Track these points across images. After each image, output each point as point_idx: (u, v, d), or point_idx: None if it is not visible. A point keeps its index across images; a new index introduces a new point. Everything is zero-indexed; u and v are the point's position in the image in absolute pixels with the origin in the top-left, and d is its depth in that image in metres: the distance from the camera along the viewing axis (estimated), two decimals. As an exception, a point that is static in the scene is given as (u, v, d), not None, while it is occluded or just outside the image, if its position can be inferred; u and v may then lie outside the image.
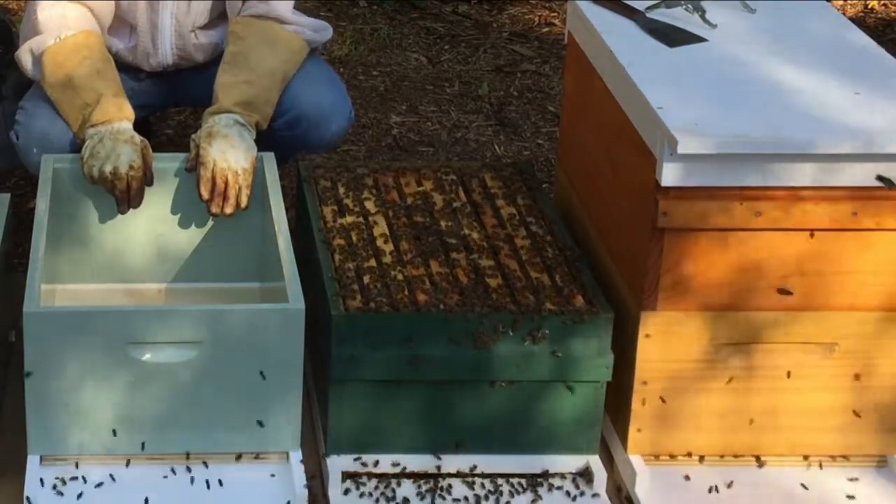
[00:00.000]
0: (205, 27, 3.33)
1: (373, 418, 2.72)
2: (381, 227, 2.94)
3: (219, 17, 3.34)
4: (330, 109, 3.25)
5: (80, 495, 2.62)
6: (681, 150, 2.55)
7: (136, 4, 3.26)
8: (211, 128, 3.00)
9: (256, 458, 2.70)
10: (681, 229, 2.62)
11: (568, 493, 2.74)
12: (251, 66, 3.13)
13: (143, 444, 2.67)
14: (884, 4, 5.20)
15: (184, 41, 3.31)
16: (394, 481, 2.74)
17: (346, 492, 2.71)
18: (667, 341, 2.69)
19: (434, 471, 2.75)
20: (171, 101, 3.49)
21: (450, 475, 2.76)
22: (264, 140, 3.12)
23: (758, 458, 2.77)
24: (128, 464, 2.68)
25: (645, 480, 2.71)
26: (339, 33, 4.70)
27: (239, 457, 2.70)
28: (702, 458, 2.77)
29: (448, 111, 4.33)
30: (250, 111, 3.06)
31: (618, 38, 2.93)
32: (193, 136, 3.03)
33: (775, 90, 2.75)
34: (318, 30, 3.30)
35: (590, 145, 3.05)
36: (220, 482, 2.66)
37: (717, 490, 2.72)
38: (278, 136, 3.17)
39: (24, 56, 3.18)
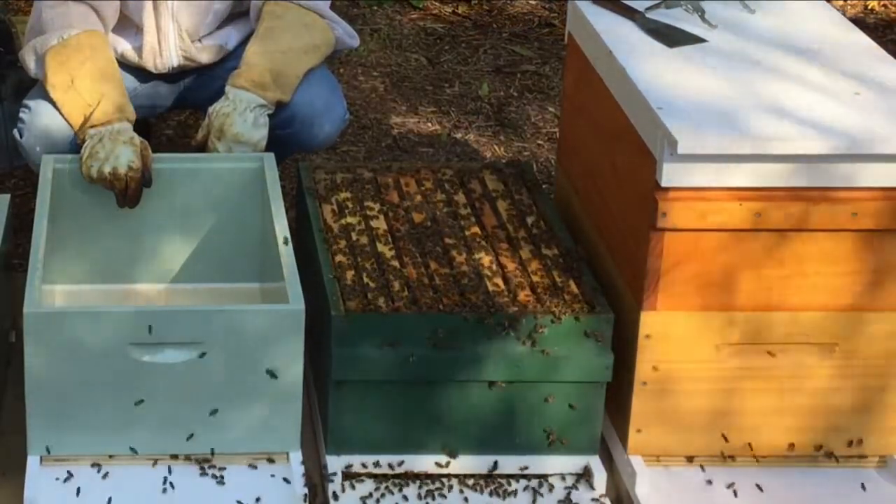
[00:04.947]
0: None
1: (373, 418, 2.72)
2: (381, 227, 2.94)
3: (224, 20, 3.34)
4: (323, 109, 3.25)
5: (79, 496, 2.62)
6: (681, 150, 2.55)
7: (142, 5, 3.26)
8: (224, 120, 3.07)
9: (256, 458, 2.70)
10: (681, 229, 2.62)
11: (568, 494, 2.74)
12: (284, 41, 3.18)
13: (143, 444, 2.67)
14: (884, 5, 5.20)
15: (188, 43, 3.31)
16: (394, 482, 2.74)
17: (346, 492, 2.71)
18: (667, 341, 2.69)
19: (434, 471, 2.75)
20: (175, 103, 3.49)
21: (450, 475, 2.76)
22: None
23: (757, 458, 2.77)
24: (128, 464, 2.68)
25: (645, 481, 2.71)
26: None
27: (239, 457, 2.70)
28: (702, 459, 2.77)
29: (448, 111, 4.33)
30: (275, 85, 3.12)
31: (618, 38, 2.93)
32: (210, 108, 3.11)
33: (775, 90, 2.75)
34: (350, 34, 3.33)
35: (590, 145, 3.05)
36: (220, 482, 2.66)
37: (716, 490, 2.72)
38: (272, 135, 3.18)
39: (28, 55, 3.18)
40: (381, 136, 4.18)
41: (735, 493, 2.72)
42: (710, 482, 2.74)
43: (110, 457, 2.68)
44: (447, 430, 2.74)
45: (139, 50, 3.33)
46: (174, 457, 2.69)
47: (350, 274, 2.78)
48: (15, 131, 3.22)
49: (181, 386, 2.64)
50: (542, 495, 2.73)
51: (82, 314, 2.63)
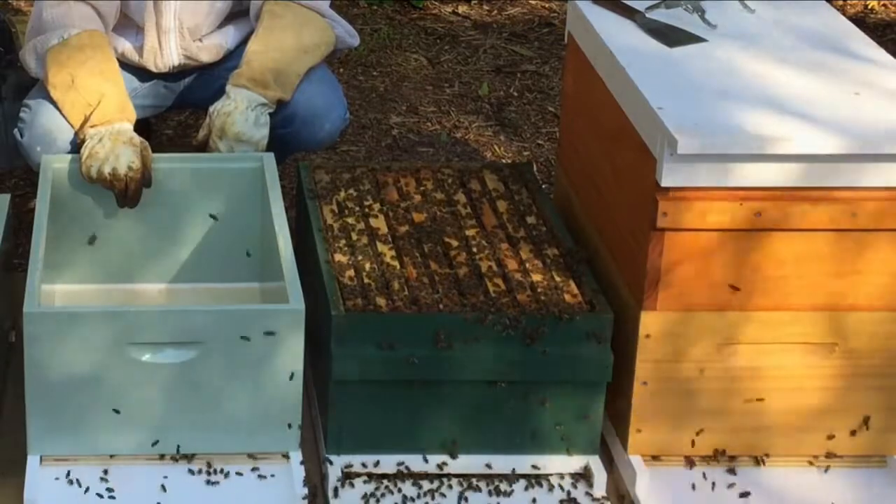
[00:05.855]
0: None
1: (373, 418, 2.72)
2: (381, 227, 2.95)
3: (225, 19, 3.35)
4: (324, 108, 3.25)
5: (79, 496, 2.62)
6: (681, 150, 2.55)
7: (143, 4, 3.26)
8: (225, 119, 3.06)
9: (256, 458, 2.70)
10: (681, 229, 2.62)
11: (568, 494, 2.74)
12: (284, 40, 3.18)
13: (142, 444, 2.67)
14: (884, 4, 5.20)
15: (188, 42, 3.31)
16: (394, 482, 2.74)
17: (346, 492, 2.71)
18: (667, 341, 2.69)
19: (434, 471, 2.75)
20: (176, 103, 3.49)
21: (450, 475, 2.76)
22: None
23: (757, 458, 2.77)
24: (127, 464, 2.68)
25: (645, 481, 2.71)
26: (340, 33, 4.70)
27: (239, 457, 2.70)
28: (702, 459, 2.77)
29: (448, 111, 4.33)
30: (276, 84, 3.12)
31: (618, 38, 2.93)
32: (211, 107, 3.10)
33: (775, 90, 2.75)
34: (350, 33, 3.33)
35: (590, 145, 3.05)
36: (220, 483, 2.66)
37: (716, 491, 2.72)
38: (273, 134, 3.18)
39: (29, 55, 3.18)
40: (381, 136, 4.18)
41: (735, 494, 2.72)
42: (709, 482, 2.74)
43: (110, 457, 2.68)
44: (447, 430, 2.74)
45: (140, 49, 3.33)
46: (174, 457, 2.69)
47: (350, 274, 2.78)
48: (15, 131, 3.22)
49: (181, 386, 2.64)
50: (541, 496, 2.73)
51: (82, 314, 2.63)
